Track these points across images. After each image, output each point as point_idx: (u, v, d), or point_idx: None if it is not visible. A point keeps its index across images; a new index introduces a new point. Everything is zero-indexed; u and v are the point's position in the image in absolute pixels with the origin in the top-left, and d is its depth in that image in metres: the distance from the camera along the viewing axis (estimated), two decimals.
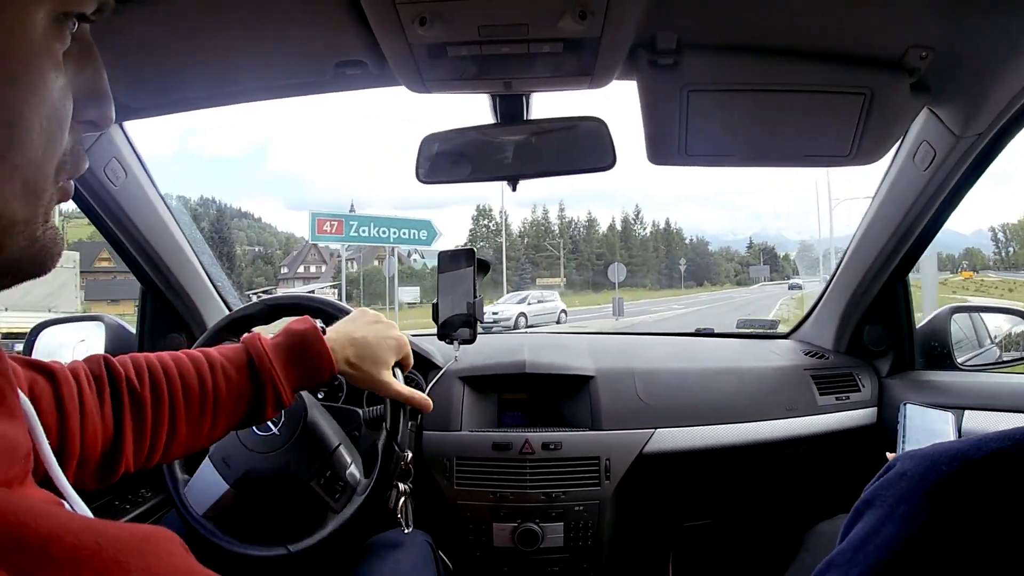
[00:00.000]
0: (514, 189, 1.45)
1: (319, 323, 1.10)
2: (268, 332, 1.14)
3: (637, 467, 1.70)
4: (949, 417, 1.16)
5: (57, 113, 0.46)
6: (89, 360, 0.92)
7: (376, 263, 55.06)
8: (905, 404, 1.17)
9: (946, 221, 1.67)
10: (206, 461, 1.33)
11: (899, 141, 1.53)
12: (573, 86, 1.31)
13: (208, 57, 1.27)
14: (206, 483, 1.31)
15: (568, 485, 1.66)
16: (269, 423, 1.30)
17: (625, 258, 73.57)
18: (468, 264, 1.58)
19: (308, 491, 1.29)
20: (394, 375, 1.21)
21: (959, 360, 1.91)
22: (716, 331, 2.56)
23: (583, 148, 1.40)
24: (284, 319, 1.41)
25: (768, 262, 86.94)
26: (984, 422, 1.62)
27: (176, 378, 0.95)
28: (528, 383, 1.86)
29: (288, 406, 1.06)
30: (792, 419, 1.84)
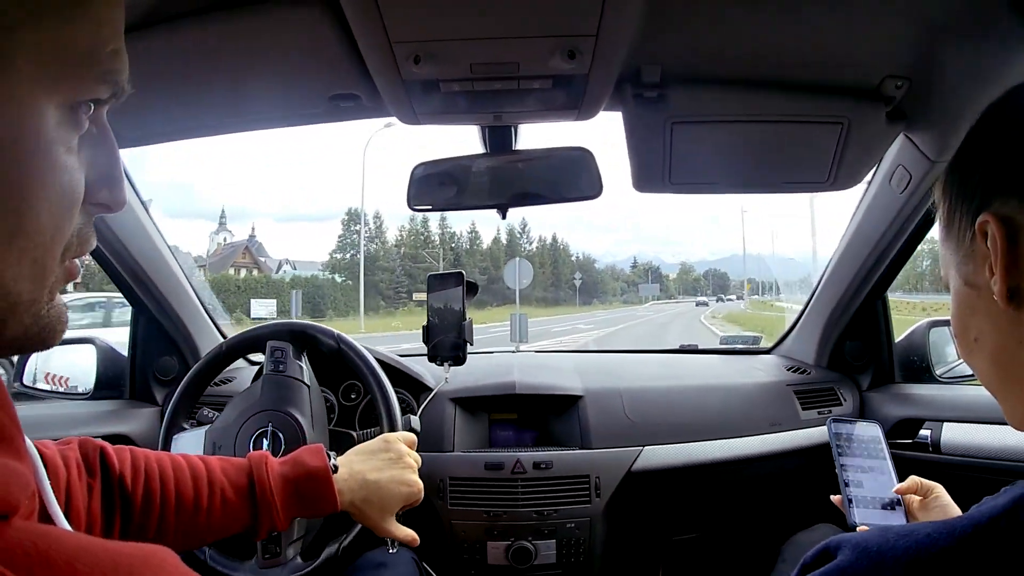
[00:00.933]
0: (503, 217, 1.47)
1: (332, 459, 1.07)
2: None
3: (626, 484, 1.73)
4: (876, 427, 1.20)
5: (67, 198, 0.46)
6: (84, 445, 0.89)
7: (232, 271, 49.47)
8: (831, 421, 1.21)
9: (921, 240, 1.72)
10: None
11: (876, 165, 1.58)
12: (561, 118, 1.35)
13: (199, 88, 1.28)
14: None
15: (559, 503, 1.69)
16: (266, 450, 1.32)
17: None
18: (456, 285, 1.61)
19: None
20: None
21: (938, 372, 1.94)
22: (700, 347, 2.60)
23: (570, 177, 1.43)
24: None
25: (655, 281, 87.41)
26: (964, 434, 1.67)
27: (172, 487, 0.94)
28: (518, 403, 1.88)
29: (283, 531, 1.06)
30: (777, 434, 1.87)
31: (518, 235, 76.62)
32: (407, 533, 1.14)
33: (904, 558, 0.47)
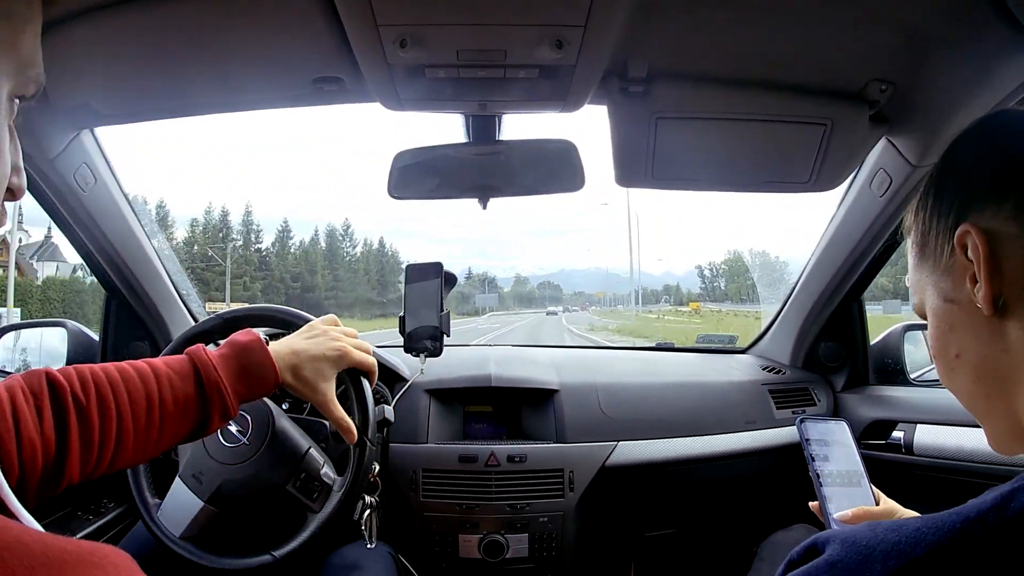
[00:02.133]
0: (484, 207, 1.46)
1: (263, 334, 1.11)
2: None
3: (600, 479, 1.73)
4: (844, 426, 1.21)
5: (3, 180, 0.51)
6: (28, 376, 0.90)
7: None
8: (801, 421, 1.21)
9: (900, 244, 1.73)
10: (177, 481, 1.32)
11: (857, 168, 1.59)
12: (546, 109, 1.34)
13: (183, 66, 1.26)
14: (179, 503, 1.31)
15: (533, 497, 1.68)
16: (238, 434, 1.31)
17: (329, 280, 62.07)
18: (435, 277, 1.59)
19: (285, 496, 1.30)
20: (361, 386, 1.27)
21: (912, 375, 1.97)
22: (676, 345, 2.60)
23: (552, 169, 1.42)
24: None
25: (492, 291, 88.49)
26: (936, 436, 1.69)
27: (122, 388, 0.95)
28: (494, 396, 1.87)
29: (234, 416, 1.06)
30: (751, 432, 1.89)
31: (340, 236, 68.60)
32: (341, 415, 1.18)
33: (892, 552, 0.47)
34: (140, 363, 1.00)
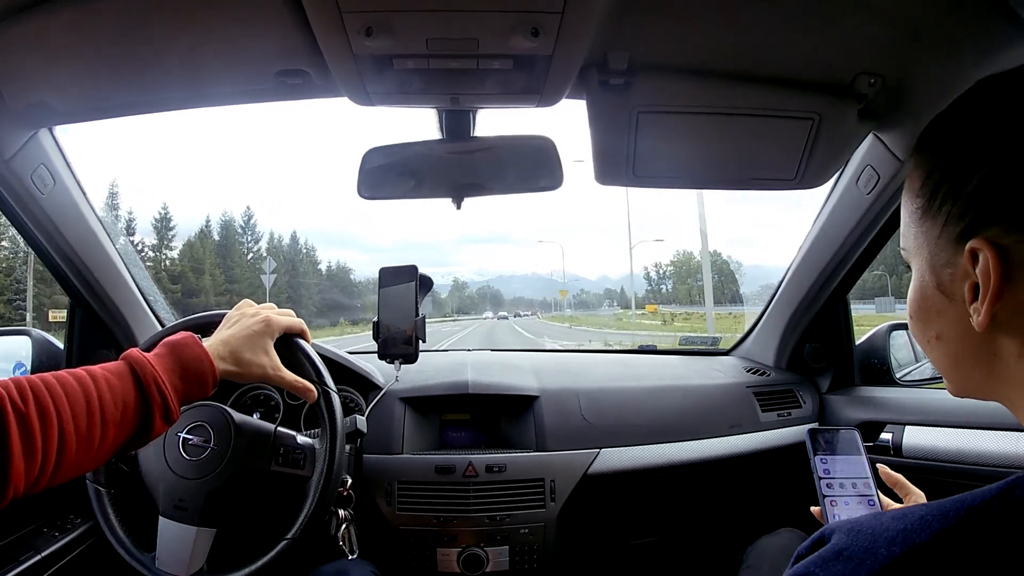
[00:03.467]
0: (458, 207, 1.41)
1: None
2: None
3: (582, 488, 1.68)
4: (855, 435, 1.17)
5: None
6: None
7: None
8: (807, 431, 1.17)
9: (886, 243, 1.70)
10: (161, 521, 1.28)
11: (844, 166, 1.55)
12: (522, 104, 1.28)
13: (142, 61, 1.20)
14: (173, 541, 1.26)
15: (513, 508, 1.63)
16: (202, 444, 1.28)
17: (221, 281, 48.46)
18: (410, 280, 1.54)
19: (274, 478, 1.28)
20: (297, 345, 1.27)
21: (897, 376, 1.95)
22: (658, 348, 2.57)
23: (530, 167, 1.37)
24: None
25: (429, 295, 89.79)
26: (926, 437, 1.66)
27: (60, 392, 0.92)
28: (471, 403, 1.82)
29: (176, 418, 1.04)
30: (736, 436, 1.85)
31: (239, 230, 55.00)
32: (294, 377, 1.21)
33: (897, 538, 0.47)
34: (77, 369, 0.98)
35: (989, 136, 0.53)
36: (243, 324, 1.18)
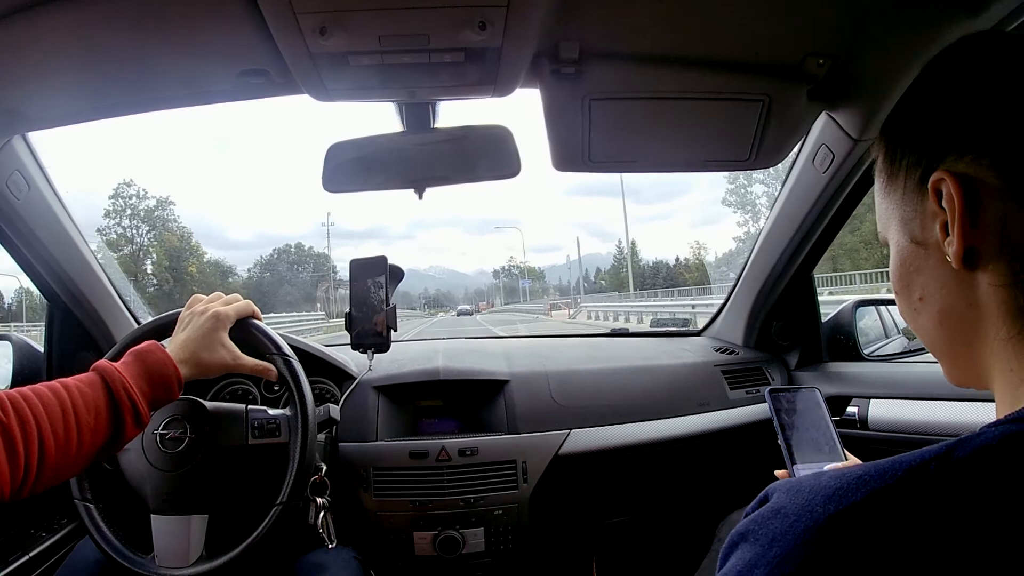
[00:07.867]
0: (420, 197, 1.42)
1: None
2: None
3: (554, 468, 1.71)
4: (816, 393, 1.19)
5: None
6: None
7: None
8: (768, 391, 1.19)
9: (846, 220, 1.73)
10: (153, 519, 1.30)
11: (799, 145, 1.58)
12: (477, 94, 1.30)
13: (108, 65, 1.22)
14: (168, 536, 1.29)
15: (486, 490, 1.66)
16: (180, 435, 1.30)
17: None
18: (381, 273, 1.56)
19: (254, 452, 1.33)
20: (251, 326, 1.32)
21: (865, 351, 1.98)
22: (630, 330, 2.59)
23: (489, 156, 1.38)
24: None
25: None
26: (890, 410, 1.69)
27: (36, 401, 0.96)
28: (443, 389, 1.85)
29: (147, 422, 1.09)
30: (705, 414, 1.88)
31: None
32: (255, 362, 1.28)
33: (834, 496, 0.47)
34: (51, 382, 1.02)
35: (940, 91, 0.56)
36: (195, 324, 1.23)
